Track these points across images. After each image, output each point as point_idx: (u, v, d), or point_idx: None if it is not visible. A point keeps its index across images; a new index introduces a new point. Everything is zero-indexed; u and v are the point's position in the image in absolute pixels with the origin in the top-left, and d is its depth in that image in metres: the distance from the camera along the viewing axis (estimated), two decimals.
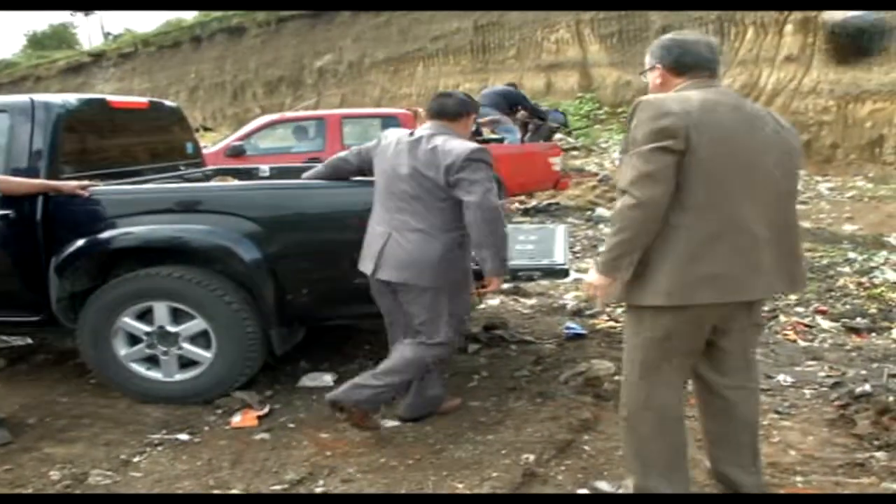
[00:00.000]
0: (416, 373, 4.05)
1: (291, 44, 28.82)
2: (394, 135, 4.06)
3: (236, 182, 5.63)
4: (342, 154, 4.44)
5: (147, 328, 4.50)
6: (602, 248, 3.07)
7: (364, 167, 4.27)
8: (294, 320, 4.56)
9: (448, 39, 23.96)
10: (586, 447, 3.88)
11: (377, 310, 4.17)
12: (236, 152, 10.34)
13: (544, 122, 13.79)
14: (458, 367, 5.06)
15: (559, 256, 4.87)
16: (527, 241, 5.11)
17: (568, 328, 5.75)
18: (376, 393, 3.96)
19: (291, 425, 4.25)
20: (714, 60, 3.01)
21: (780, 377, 4.77)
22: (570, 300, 6.68)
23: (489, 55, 22.91)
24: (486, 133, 12.73)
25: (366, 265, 4.02)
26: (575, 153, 15.52)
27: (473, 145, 3.82)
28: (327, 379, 4.84)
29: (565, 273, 4.79)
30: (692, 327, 2.97)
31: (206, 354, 4.47)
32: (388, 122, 11.05)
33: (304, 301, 4.43)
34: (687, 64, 2.99)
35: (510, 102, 13.25)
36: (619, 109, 19.64)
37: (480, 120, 6.19)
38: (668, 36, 3.11)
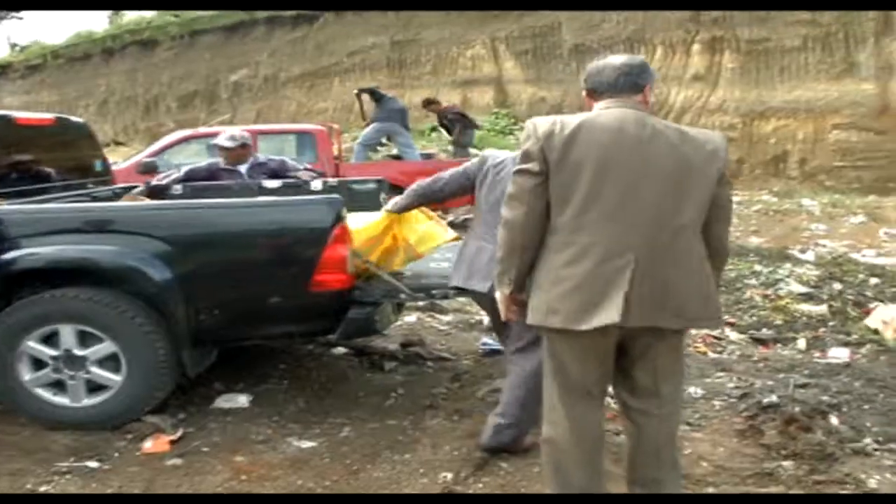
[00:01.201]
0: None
1: (205, 57, 28.37)
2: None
3: (146, 201, 5.51)
4: (462, 168, 4.30)
5: (53, 352, 4.34)
6: None
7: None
8: (207, 341, 4.47)
9: (365, 55, 23.94)
10: (504, 464, 3.88)
11: (291, 329, 4.13)
12: (148, 169, 10.08)
13: (467, 121, 13.79)
14: (375, 385, 5.03)
15: None
16: (442, 259, 5.11)
17: (484, 344, 5.78)
18: (519, 420, 3.93)
19: (205, 449, 4.15)
20: (630, 81, 2.98)
21: (691, 389, 4.86)
22: (486, 316, 6.70)
23: (406, 70, 22.97)
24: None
25: (473, 281, 3.96)
26: None
27: None
28: (242, 400, 4.75)
29: None
30: (578, 349, 2.95)
31: (115, 378, 4.34)
32: (304, 137, 10.97)
33: (216, 321, 4.35)
34: (597, 85, 3.02)
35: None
36: None
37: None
38: (595, 63, 3.11)
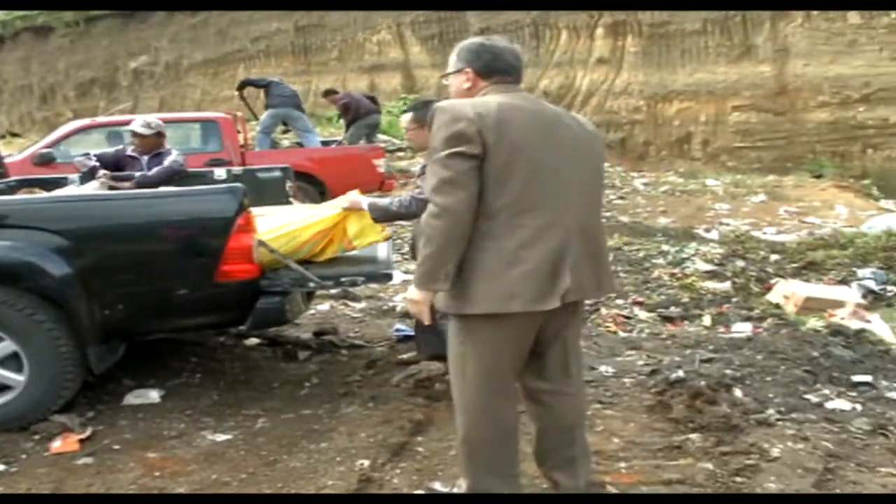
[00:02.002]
0: None
1: (102, 44, 27.56)
2: None
3: (43, 194, 5.31)
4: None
5: None
6: (417, 262, 3.01)
7: None
8: (112, 337, 4.35)
9: (269, 40, 23.59)
10: (420, 449, 3.89)
11: (200, 321, 4.05)
12: (45, 160, 9.74)
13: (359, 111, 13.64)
14: (289, 375, 4.98)
15: (382, 262, 4.85)
16: None
17: (398, 330, 5.76)
18: None
19: (116, 447, 4.03)
20: (518, 67, 3.04)
21: (602, 368, 4.95)
22: (399, 302, 6.70)
23: (311, 56, 22.73)
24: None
25: None
26: (401, 154, 15.61)
27: None
28: (153, 395, 4.63)
29: (389, 277, 4.78)
30: (516, 334, 2.92)
31: (18, 378, 4.18)
32: (209, 126, 10.74)
33: (121, 316, 4.22)
34: (495, 69, 2.99)
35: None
36: None
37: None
38: (477, 40, 3.10)
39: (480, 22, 20.01)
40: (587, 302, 6.50)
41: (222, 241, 4.13)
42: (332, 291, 6.50)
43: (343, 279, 4.53)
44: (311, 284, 4.45)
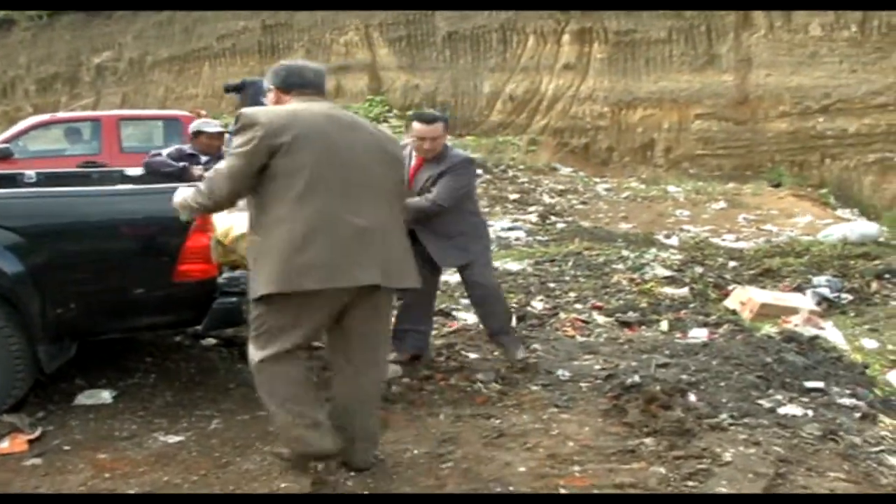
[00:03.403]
0: None
1: (66, 39, 27.20)
2: None
3: None
4: None
5: None
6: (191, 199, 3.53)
7: None
8: (65, 336, 4.29)
9: (235, 39, 23.42)
10: (375, 452, 3.86)
11: (156, 321, 4.02)
12: (2, 155, 9.61)
13: None
14: (245, 376, 4.91)
15: None
16: None
17: None
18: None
19: (66, 448, 3.98)
20: (317, 82, 3.53)
21: (559, 372, 4.97)
22: None
23: (278, 56, 22.52)
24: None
25: None
26: None
27: None
28: (106, 396, 4.57)
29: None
30: (307, 311, 3.30)
31: None
32: (172, 124, 10.67)
33: (74, 315, 4.17)
34: (293, 84, 3.48)
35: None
36: (409, 112, 19.88)
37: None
38: (282, 63, 3.64)
39: (448, 26, 20.04)
40: (546, 308, 6.61)
41: (180, 240, 4.10)
42: None
43: None
44: None
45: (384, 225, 3.40)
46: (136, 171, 5.77)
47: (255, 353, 3.41)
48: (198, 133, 6.55)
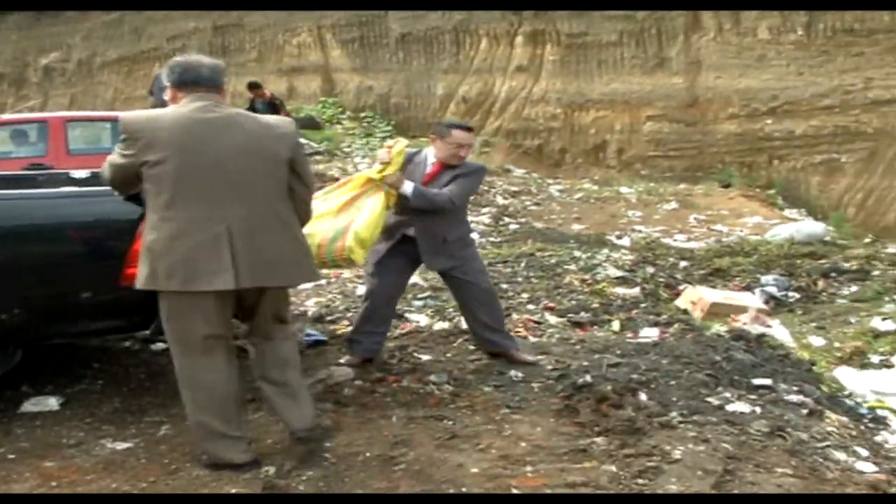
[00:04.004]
0: None
1: (12, 39, 26.69)
2: None
3: None
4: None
5: None
6: None
7: None
8: (9, 342, 4.21)
9: (186, 39, 23.15)
10: (327, 455, 3.85)
11: (103, 325, 3.96)
12: None
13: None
14: None
15: None
16: None
17: (308, 335, 5.71)
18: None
19: (11, 456, 3.90)
20: (212, 77, 3.59)
21: (512, 373, 4.98)
22: (311, 306, 6.65)
23: (229, 57, 22.32)
24: None
25: None
26: (318, 157, 15.50)
27: None
28: (52, 403, 4.49)
29: None
30: (192, 311, 3.48)
31: None
32: (119, 125, 10.49)
33: (19, 321, 4.08)
34: (187, 81, 3.56)
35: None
36: (362, 114, 19.87)
37: None
38: (177, 59, 3.68)
39: (401, 27, 20.01)
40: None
41: (126, 243, 4.04)
42: None
43: None
44: None
45: (258, 225, 3.51)
46: (83, 173, 5.66)
47: (173, 356, 3.64)
48: None
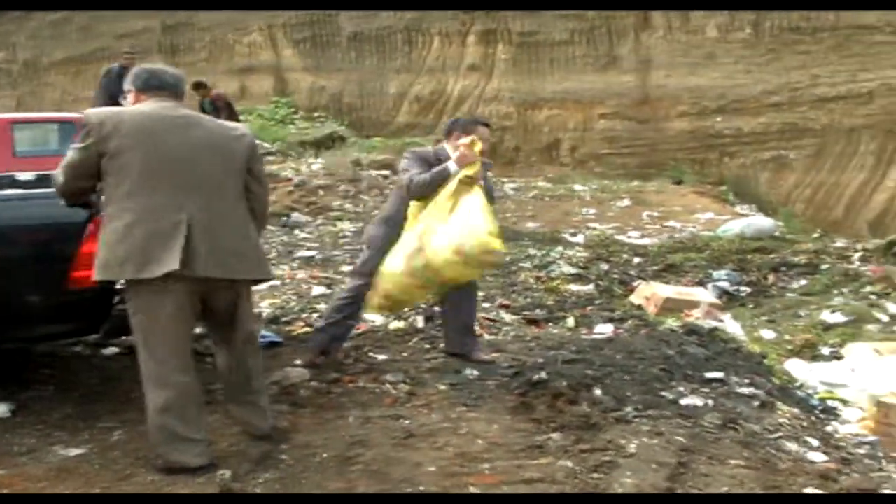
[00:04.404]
0: None
1: None
2: None
3: None
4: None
5: None
6: None
7: None
8: None
9: (134, 39, 22.73)
10: (284, 457, 3.83)
11: (52, 330, 3.90)
12: None
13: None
14: None
15: None
16: None
17: (263, 336, 5.65)
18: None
19: None
20: (175, 85, 3.78)
21: (467, 371, 4.98)
22: (265, 308, 6.60)
23: (179, 57, 22.05)
24: None
25: None
26: (271, 158, 15.36)
27: None
28: (2, 410, 4.38)
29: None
30: (158, 304, 3.52)
31: None
32: (68, 127, 10.31)
33: None
34: (152, 86, 3.72)
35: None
36: (315, 114, 19.74)
37: None
38: (143, 66, 3.88)
39: (353, 26, 19.93)
40: None
41: (75, 246, 3.98)
42: None
43: None
44: None
45: (216, 219, 3.60)
46: (29, 175, 5.56)
47: (139, 354, 3.66)
48: None
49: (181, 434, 3.60)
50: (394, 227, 4.88)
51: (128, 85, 3.80)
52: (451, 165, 4.74)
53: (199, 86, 13.84)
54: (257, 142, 3.85)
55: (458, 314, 5.21)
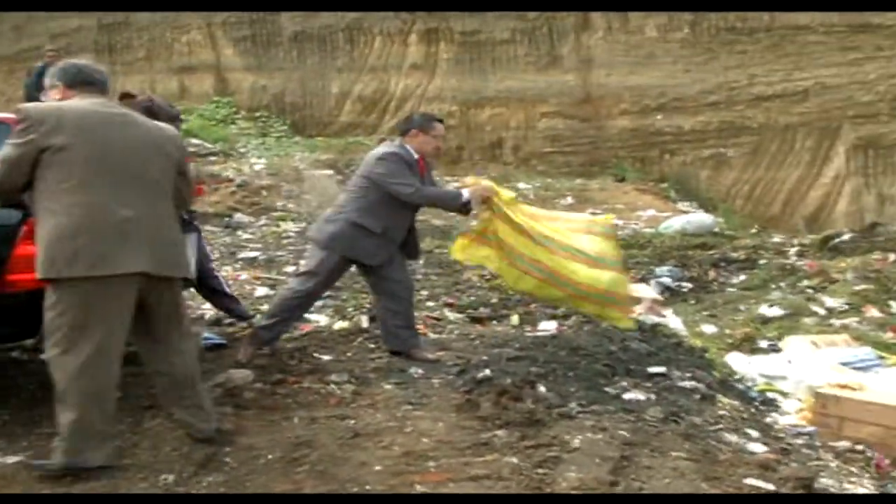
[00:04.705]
0: None
1: None
2: None
3: None
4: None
5: None
6: None
7: None
8: None
9: (70, 38, 22.32)
10: (228, 459, 3.79)
11: None
12: None
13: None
14: None
15: None
16: None
17: (206, 338, 5.60)
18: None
19: None
20: (101, 80, 3.76)
21: (412, 370, 4.99)
22: (208, 309, 6.52)
23: (116, 55, 21.68)
24: None
25: None
26: (213, 158, 15.18)
27: None
28: None
29: (190, 284, 4.62)
30: (96, 301, 3.45)
31: None
32: (1, 127, 10.07)
33: None
34: (79, 82, 3.69)
35: None
36: (257, 113, 19.55)
37: None
38: (68, 61, 3.83)
39: (294, 25, 19.79)
40: None
41: (7, 249, 3.89)
42: None
43: None
44: None
45: (156, 217, 3.64)
46: None
47: (50, 350, 3.55)
48: None
49: (100, 430, 3.56)
50: (373, 227, 5.03)
51: (53, 80, 3.75)
52: (466, 194, 5.06)
53: (126, 96, 13.59)
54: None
55: (395, 313, 5.21)
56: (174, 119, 13.06)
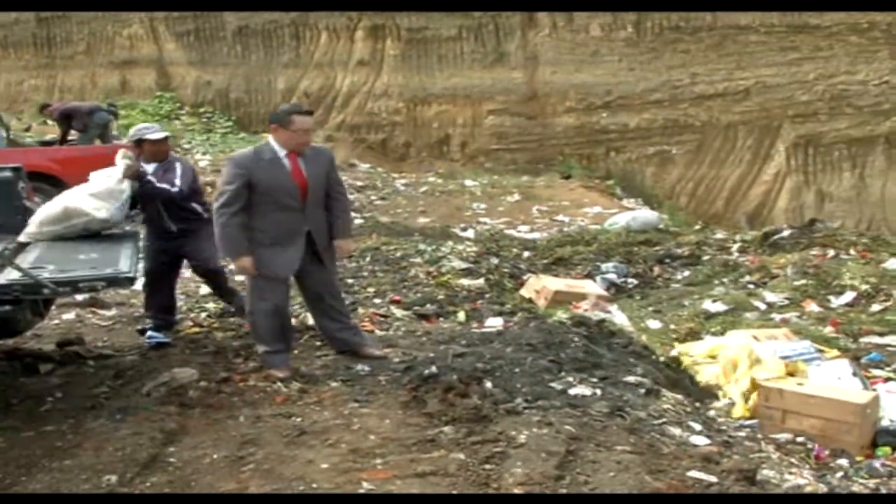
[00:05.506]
0: None
1: None
2: None
3: None
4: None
5: None
6: None
7: None
8: None
9: (7, 31, 21.85)
10: (172, 459, 3.75)
11: None
12: None
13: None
14: (29, 390, 4.66)
15: (124, 265, 4.54)
16: (91, 251, 4.74)
17: (150, 337, 5.52)
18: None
19: None
20: None
21: (359, 367, 4.96)
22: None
23: (56, 50, 21.28)
24: None
25: None
26: None
27: None
28: None
29: (132, 281, 4.50)
30: None
31: None
32: None
33: None
34: None
35: None
36: (202, 109, 19.34)
37: None
38: None
39: (238, 20, 19.59)
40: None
41: None
42: (79, 299, 6.16)
43: (81, 284, 4.24)
44: (46, 291, 4.12)
45: None
46: None
47: None
48: (139, 142, 5.75)
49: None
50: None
51: None
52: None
53: (45, 107, 13.32)
54: None
55: (331, 319, 5.18)
56: (90, 115, 12.63)
